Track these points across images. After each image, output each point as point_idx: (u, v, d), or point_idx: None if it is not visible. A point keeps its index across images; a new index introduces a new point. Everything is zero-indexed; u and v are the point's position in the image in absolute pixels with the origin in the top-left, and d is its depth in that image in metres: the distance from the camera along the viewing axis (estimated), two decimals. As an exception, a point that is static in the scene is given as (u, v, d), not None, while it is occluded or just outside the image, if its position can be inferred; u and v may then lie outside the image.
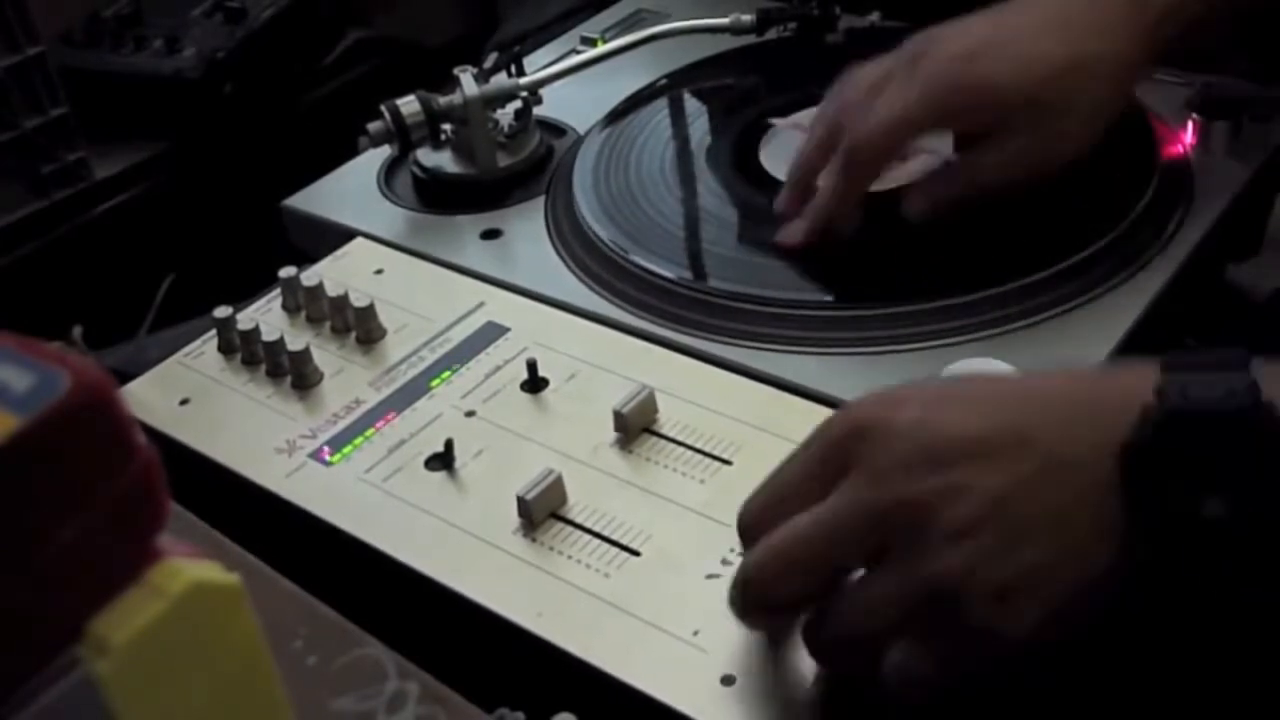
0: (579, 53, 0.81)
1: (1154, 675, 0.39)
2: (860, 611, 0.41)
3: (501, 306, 0.64)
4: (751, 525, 0.44)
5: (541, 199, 0.73)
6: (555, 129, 0.79)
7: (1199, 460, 0.36)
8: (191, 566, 0.28)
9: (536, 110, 0.76)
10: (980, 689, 0.40)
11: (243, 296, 0.67)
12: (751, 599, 0.43)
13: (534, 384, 0.59)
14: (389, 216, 0.73)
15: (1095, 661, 0.39)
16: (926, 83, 0.60)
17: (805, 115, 0.74)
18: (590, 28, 0.91)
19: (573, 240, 0.68)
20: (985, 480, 0.38)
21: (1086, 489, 0.37)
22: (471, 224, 0.71)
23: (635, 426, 0.55)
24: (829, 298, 0.61)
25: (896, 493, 0.39)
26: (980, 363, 0.56)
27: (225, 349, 0.64)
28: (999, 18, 0.61)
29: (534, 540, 0.51)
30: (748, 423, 0.55)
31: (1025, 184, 0.60)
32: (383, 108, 0.72)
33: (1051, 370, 0.43)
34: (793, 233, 0.64)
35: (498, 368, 0.60)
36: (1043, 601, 0.38)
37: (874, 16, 0.85)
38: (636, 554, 0.50)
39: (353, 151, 0.76)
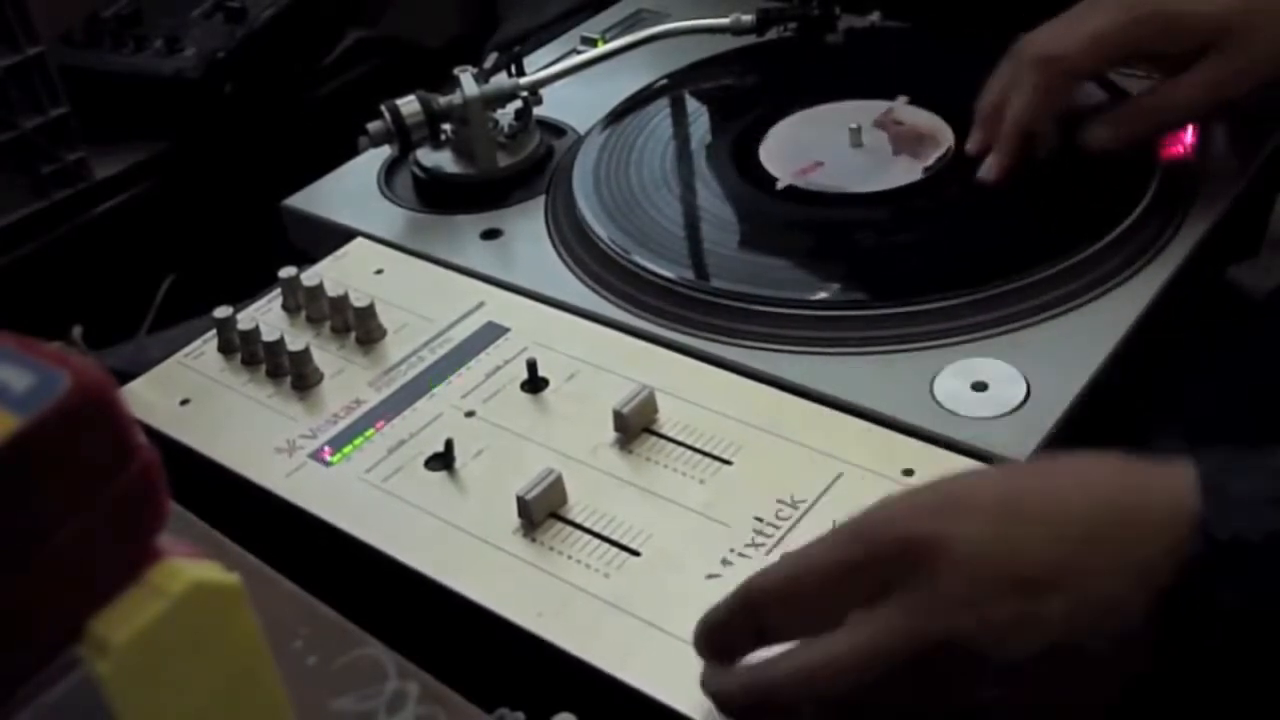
0: (579, 53, 0.81)
1: None
2: None
3: (501, 306, 0.64)
4: (765, 603, 0.40)
5: (541, 199, 0.73)
6: (555, 129, 0.79)
7: (1247, 594, 0.35)
8: (191, 566, 0.28)
9: (536, 110, 0.76)
10: None
11: (243, 296, 0.67)
12: (764, 712, 0.40)
13: (534, 384, 0.59)
14: (389, 216, 0.73)
15: None
16: (1121, 12, 0.60)
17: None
18: (590, 28, 0.91)
19: (573, 240, 0.68)
20: (1043, 614, 0.36)
21: (1127, 632, 0.36)
22: (471, 224, 0.71)
23: (635, 426, 0.55)
24: (829, 298, 0.61)
25: (952, 625, 0.36)
26: (980, 363, 0.56)
27: (225, 349, 0.64)
28: None
29: (534, 540, 0.51)
30: (748, 423, 0.55)
31: (1213, 114, 0.61)
32: (383, 108, 0.72)
33: (1095, 473, 0.40)
34: (990, 168, 0.64)
35: (498, 367, 0.60)
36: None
37: (874, 16, 0.84)
38: (636, 554, 0.50)
39: (353, 151, 0.76)
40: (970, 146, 0.66)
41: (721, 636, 0.42)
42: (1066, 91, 0.63)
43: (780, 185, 0.69)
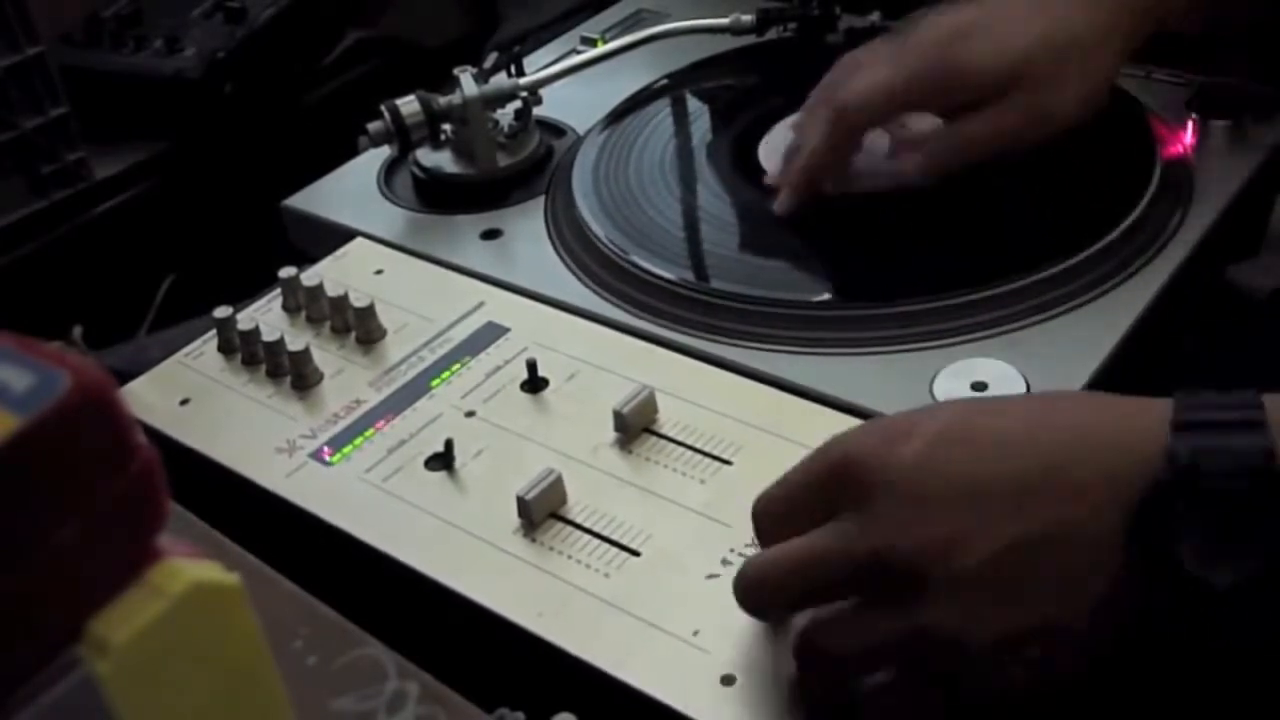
0: (579, 53, 0.81)
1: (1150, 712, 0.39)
2: (852, 645, 0.41)
3: (501, 306, 0.64)
4: (759, 515, 0.45)
5: (541, 199, 0.73)
6: (555, 129, 0.79)
7: (1210, 529, 0.35)
8: (191, 566, 0.28)
9: (536, 110, 0.76)
10: None
11: (243, 296, 0.67)
12: (743, 601, 0.44)
13: (534, 384, 0.59)
14: (389, 216, 0.73)
15: (1091, 702, 0.39)
16: (911, 61, 0.62)
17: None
18: (590, 28, 0.91)
19: (573, 240, 0.68)
20: (987, 533, 0.37)
21: (1091, 550, 0.37)
22: (471, 224, 0.71)
23: (635, 426, 0.55)
24: (829, 298, 0.61)
25: (891, 540, 0.38)
26: (980, 363, 0.56)
27: (225, 349, 0.64)
28: (985, 5, 0.63)
29: (534, 540, 0.51)
30: (748, 423, 0.55)
31: (1019, 152, 0.62)
32: (383, 108, 0.72)
33: (1060, 401, 0.42)
34: (782, 202, 0.66)
35: (498, 368, 0.60)
36: (1039, 658, 0.38)
37: (874, 16, 0.85)
38: (636, 554, 0.50)
39: (353, 151, 0.76)
40: (775, 179, 0.69)
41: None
42: (852, 139, 0.65)
43: (768, 180, 0.69)
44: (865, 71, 0.64)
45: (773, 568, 0.42)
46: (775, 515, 0.44)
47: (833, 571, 0.40)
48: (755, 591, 0.43)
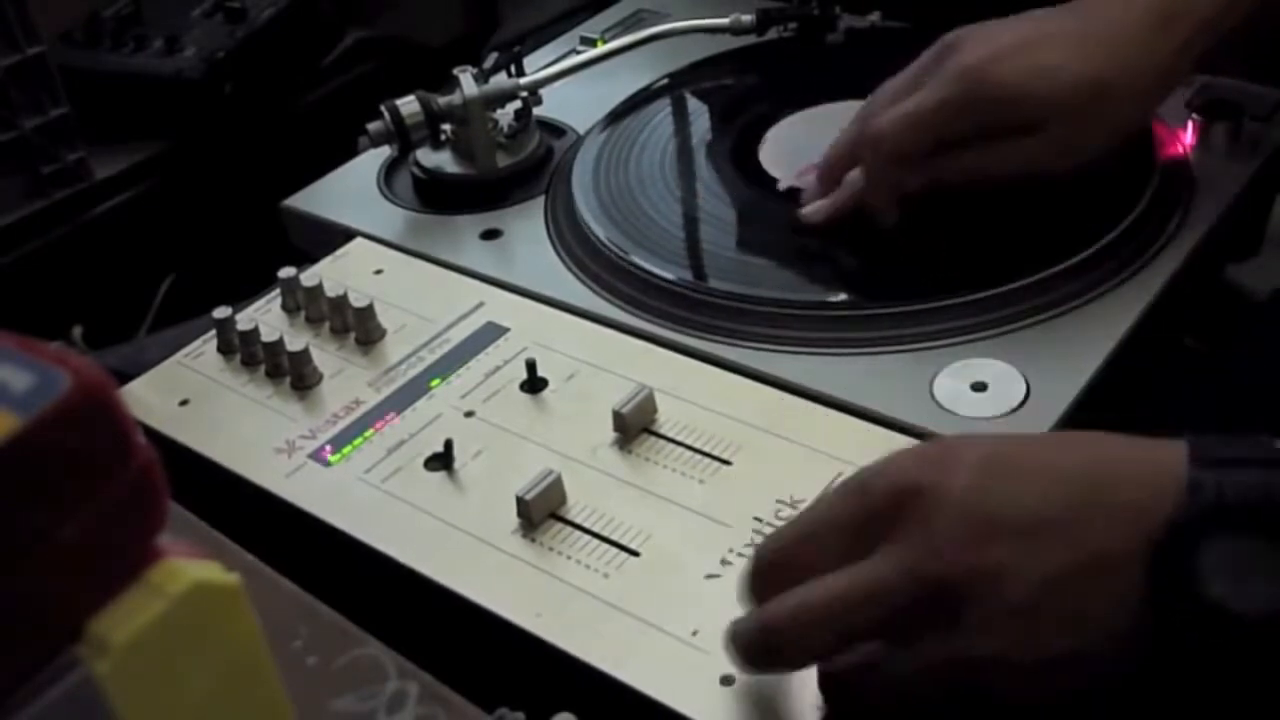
0: (579, 53, 0.81)
1: None
2: (896, 685, 0.40)
3: (501, 306, 0.64)
4: (774, 562, 0.43)
5: (541, 199, 0.73)
6: (555, 129, 0.79)
7: (1237, 561, 0.36)
8: (191, 566, 0.28)
9: (536, 110, 0.76)
10: None
11: (243, 296, 0.67)
12: (772, 649, 0.41)
13: (533, 384, 0.59)
14: (389, 216, 0.73)
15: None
16: (948, 83, 0.60)
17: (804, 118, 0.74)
18: (590, 28, 0.91)
19: (572, 240, 0.68)
20: (1035, 564, 0.38)
21: (1117, 581, 0.37)
22: (471, 224, 0.71)
23: (635, 426, 0.55)
24: (829, 298, 0.61)
25: (945, 567, 0.38)
26: (980, 363, 0.56)
27: (225, 349, 0.64)
28: (1028, 26, 0.61)
29: (534, 540, 0.51)
30: (748, 423, 0.55)
31: (1031, 181, 0.61)
32: (383, 108, 0.72)
33: (1077, 437, 0.42)
34: (815, 210, 0.65)
35: (497, 368, 0.60)
36: (1069, 683, 0.38)
37: (874, 16, 0.85)
38: (636, 554, 0.50)
39: (353, 151, 0.76)
40: (806, 190, 0.67)
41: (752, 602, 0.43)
42: (897, 171, 0.62)
43: (782, 186, 0.69)
44: (898, 100, 0.62)
45: (813, 604, 0.40)
46: (801, 548, 0.42)
47: (888, 601, 0.39)
48: (793, 639, 0.40)
